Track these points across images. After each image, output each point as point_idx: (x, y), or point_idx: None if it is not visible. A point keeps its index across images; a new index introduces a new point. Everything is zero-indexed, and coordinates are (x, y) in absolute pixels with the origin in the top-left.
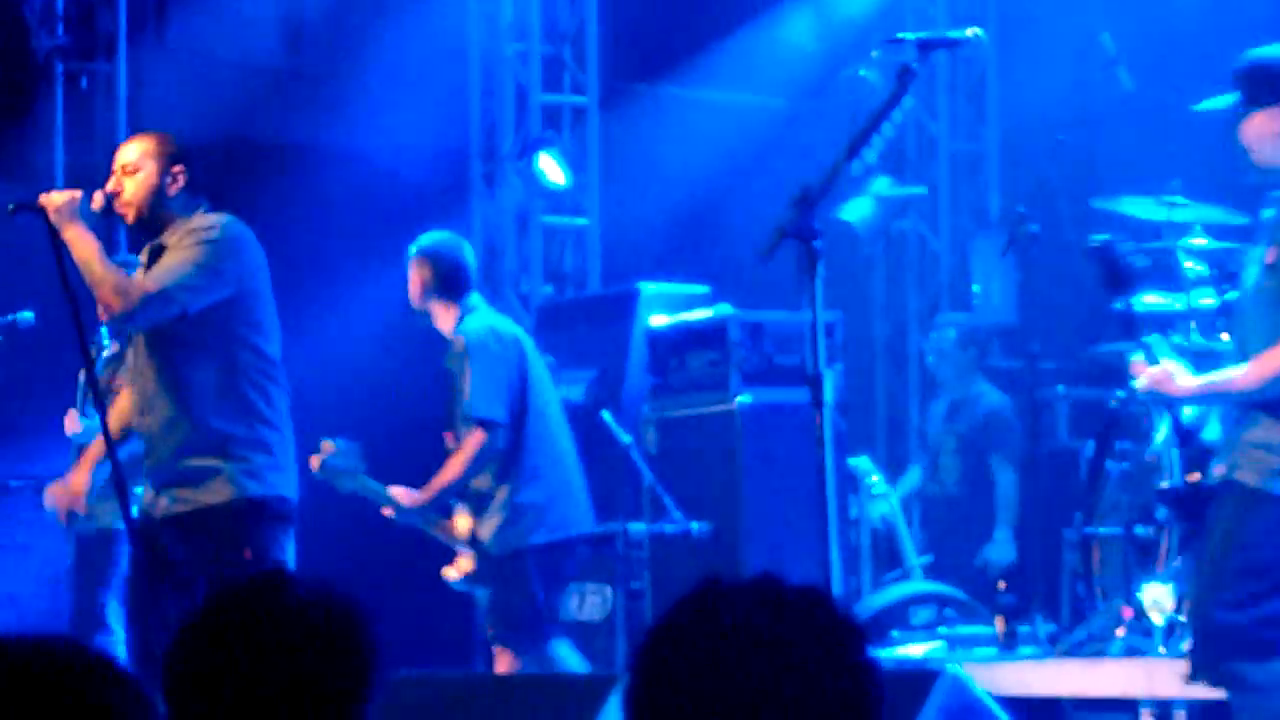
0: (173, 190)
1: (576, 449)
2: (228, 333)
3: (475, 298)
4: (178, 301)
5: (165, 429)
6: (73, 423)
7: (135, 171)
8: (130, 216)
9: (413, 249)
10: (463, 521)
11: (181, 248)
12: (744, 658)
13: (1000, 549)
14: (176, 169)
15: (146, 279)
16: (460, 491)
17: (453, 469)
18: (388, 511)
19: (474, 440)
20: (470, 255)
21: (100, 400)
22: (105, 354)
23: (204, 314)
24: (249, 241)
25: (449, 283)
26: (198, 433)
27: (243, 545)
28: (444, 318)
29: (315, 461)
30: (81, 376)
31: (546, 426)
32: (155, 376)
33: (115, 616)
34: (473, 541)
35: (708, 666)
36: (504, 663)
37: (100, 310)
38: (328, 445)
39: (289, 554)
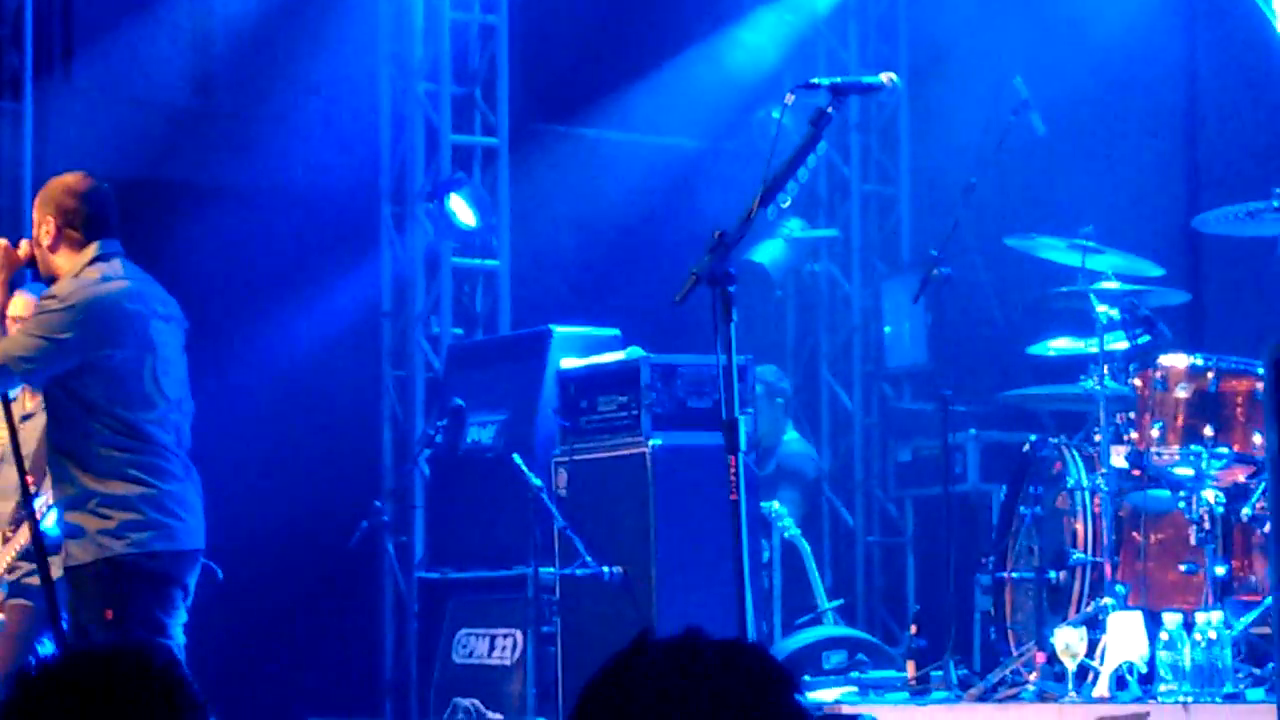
0: (46, 241)
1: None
2: (79, 399)
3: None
4: (17, 374)
5: (54, 486)
6: None
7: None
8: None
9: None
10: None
11: (31, 316)
12: (678, 714)
13: None
14: (48, 219)
15: None
16: None
17: None
18: None
19: None
20: None
21: (18, 455)
22: None
23: (54, 381)
24: (105, 308)
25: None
26: (68, 491)
27: (105, 605)
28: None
29: None
30: None
31: None
32: (44, 434)
33: None
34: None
35: None
36: None
37: None
38: None
39: (168, 610)
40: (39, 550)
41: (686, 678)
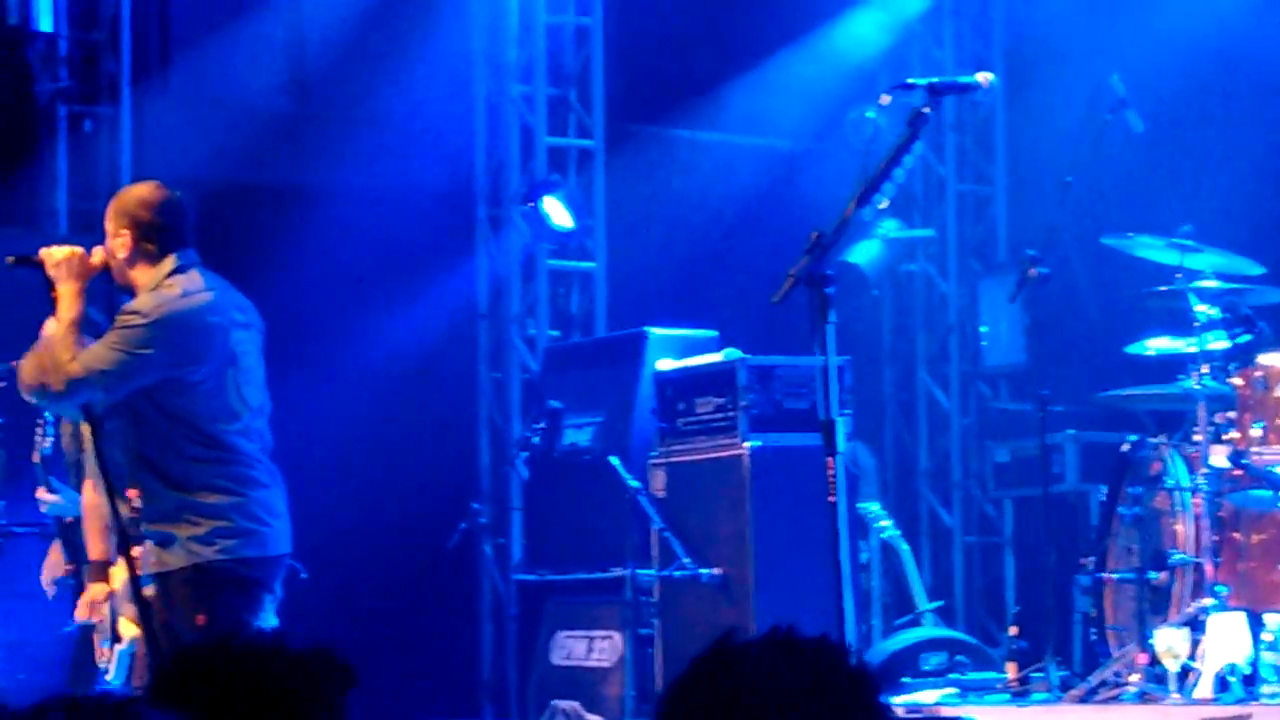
0: (122, 254)
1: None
2: (164, 411)
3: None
4: (99, 387)
5: (141, 496)
6: (45, 496)
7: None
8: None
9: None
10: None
11: (113, 328)
12: (760, 711)
13: None
14: (123, 232)
15: (75, 360)
16: None
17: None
18: None
19: None
20: None
21: (103, 462)
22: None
23: (134, 395)
24: (188, 324)
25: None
26: (154, 500)
27: (196, 611)
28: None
29: None
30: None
31: None
32: (125, 443)
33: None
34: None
35: None
36: None
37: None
38: None
39: (256, 614)
40: (127, 555)
41: (769, 676)
